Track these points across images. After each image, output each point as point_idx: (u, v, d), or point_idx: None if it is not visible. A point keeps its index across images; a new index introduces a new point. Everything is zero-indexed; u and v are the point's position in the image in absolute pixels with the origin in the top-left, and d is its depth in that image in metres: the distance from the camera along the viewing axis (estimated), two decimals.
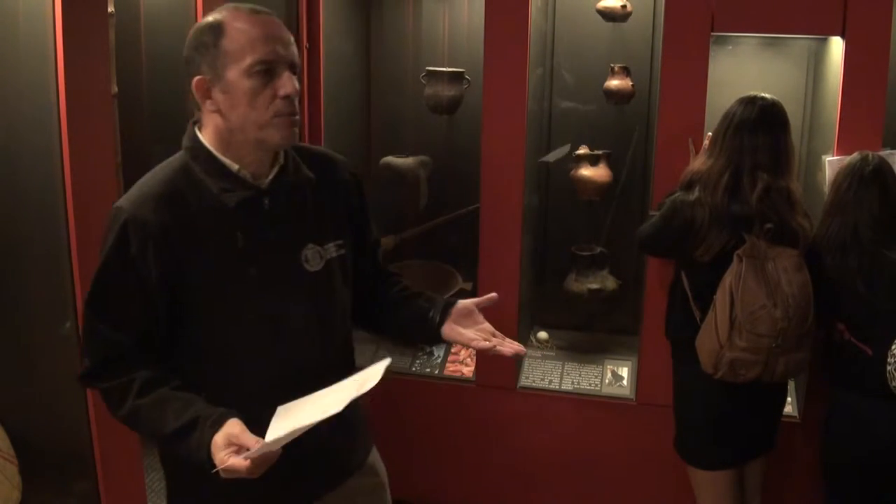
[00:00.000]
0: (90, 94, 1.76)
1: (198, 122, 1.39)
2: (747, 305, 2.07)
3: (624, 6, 2.77)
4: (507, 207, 2.69)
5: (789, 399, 2.58)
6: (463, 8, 3.13)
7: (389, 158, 3.12)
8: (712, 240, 2.12)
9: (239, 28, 1.29)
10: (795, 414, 2.61)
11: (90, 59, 1.76)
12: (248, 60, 1.28)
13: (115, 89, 1.84)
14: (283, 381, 1.35)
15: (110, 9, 1.82)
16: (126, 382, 1.32)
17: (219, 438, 1.23)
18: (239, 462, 1.18)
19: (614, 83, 2.82)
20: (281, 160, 1.42)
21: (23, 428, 1.84)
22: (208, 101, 1.33)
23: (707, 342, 2.14)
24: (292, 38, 1.35)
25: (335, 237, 1.48)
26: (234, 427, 1.24)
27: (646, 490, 2.74)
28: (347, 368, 1.52)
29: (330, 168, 1.52)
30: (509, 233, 2.70)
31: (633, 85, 2.82)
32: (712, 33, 2.43)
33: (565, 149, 3.02)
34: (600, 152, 2.84)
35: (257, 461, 1.19)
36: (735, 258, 2.10)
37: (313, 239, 1.44)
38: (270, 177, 1.40)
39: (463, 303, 1.50)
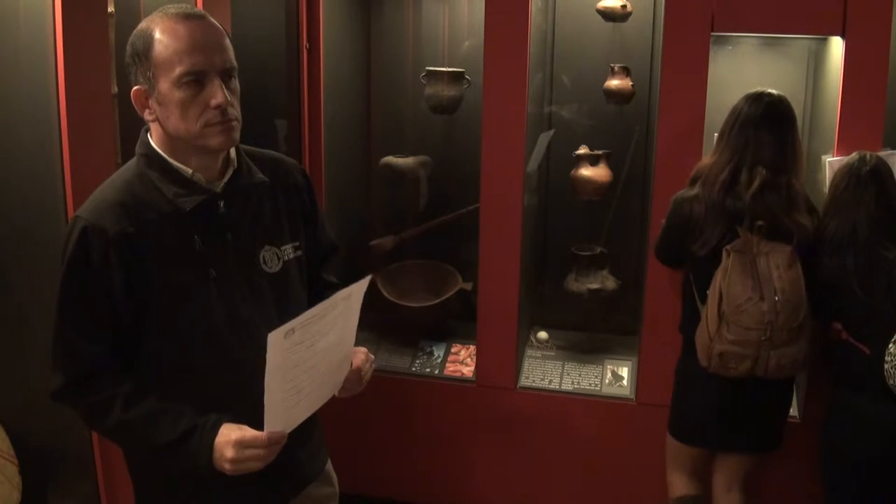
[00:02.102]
0: (90, 94, 1.76)
1: (149, 129, 1.39)
2: (733, 299, 2.08)
3: (624, 6, 2.77)
4: (507, 207, 2.68)
5: None
6: (463, 8, 3.13)
7: (389, 158, 3.12)
8: (709, 234, 2.14)
9: (167, 37, 1.28)
10: (795, 414, 2.61)
11: (90, 59, 1.76)
12: (177, 72, 1.27)
13: (115, 89, 1.84)
14: (244, 382, 1.35)
15: (110, 9, 1.82)
16: (108, 398, 1.32)
17: (225, 430, 1.29)
18: (254, 434, 1.27)
19: (614, 83, 2.81)
20: (235, 164, 1.43)
21: (23, 428, 1.84)
22: (147, 111, 1.34)
23: (701, 336, 2.17)
24: (226, 42, 1.33)
25: (292, 239, 1.50)
26: (233, 425, 1.31)
27: (646, 490, 2.74)
28: None
29: (282, 171, 1.54)
30: (509, 233, 2.70)
31: (633, 85, 2.82)
32: (712, 33, 2.43)
33: (545, 141, 3.00)
34: (600, 152, 2.84)
35: (274, 437, 1.27)
36: (724, 253, 2.11)
37: (270, 241, 1.46)
38: (224, 180, 1.41)
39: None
